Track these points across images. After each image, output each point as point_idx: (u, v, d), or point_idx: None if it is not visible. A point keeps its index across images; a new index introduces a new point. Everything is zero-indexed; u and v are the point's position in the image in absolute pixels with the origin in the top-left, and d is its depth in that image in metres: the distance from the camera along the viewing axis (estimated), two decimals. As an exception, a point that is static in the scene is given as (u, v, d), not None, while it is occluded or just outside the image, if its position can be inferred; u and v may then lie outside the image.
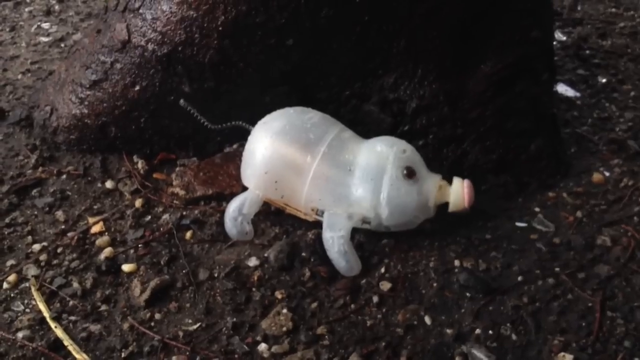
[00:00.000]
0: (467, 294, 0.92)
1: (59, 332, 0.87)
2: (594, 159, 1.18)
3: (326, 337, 0.86)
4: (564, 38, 1.64)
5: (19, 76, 1.48)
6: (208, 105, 1.12)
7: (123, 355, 0.84)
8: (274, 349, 0.85)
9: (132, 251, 1.00)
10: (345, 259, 0.94)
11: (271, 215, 1.06)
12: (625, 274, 0.95)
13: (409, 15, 1.05)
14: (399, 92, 1.10)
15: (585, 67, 1.50)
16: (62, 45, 1.65)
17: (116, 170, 1.17)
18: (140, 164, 1.17)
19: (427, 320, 0.89)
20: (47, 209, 1.09)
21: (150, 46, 1.11)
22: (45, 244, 1.02)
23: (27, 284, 0.95)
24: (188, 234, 1.03)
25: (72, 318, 0.90)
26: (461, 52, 1.09)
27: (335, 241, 0.94)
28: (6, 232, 1.04)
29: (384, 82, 1.10)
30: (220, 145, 1.19)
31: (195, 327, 0.88)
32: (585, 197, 1.09)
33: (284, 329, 0.87)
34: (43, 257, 0.99)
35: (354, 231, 0.98)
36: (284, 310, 0.90)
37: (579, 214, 1.06)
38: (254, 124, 1.03)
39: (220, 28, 1.07)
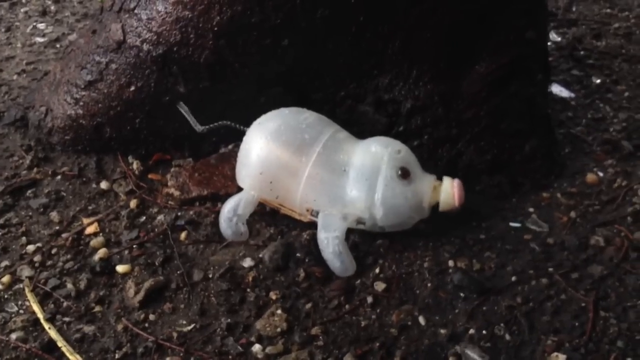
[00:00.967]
0: (461, 294, 0.92)
1: (53, 333, 0.87)
2: (588, 160, 1.19)
3: (320, 337, 0.87)
4: (559, 39, 1.64)
5: (14, 77, 1.48)
6: (203, 105, 1.12)
7: (117, 356, 0.84)
8: (268, 349, 0.85)
9: (126, 252, 1.00)
10: (340, 259, 0.94)
11: (266, 215, 1.06)
12: (619, 274, 0.95)
13: (404, 16, 1.06)
14: (394, 93, 1.10)
15: (579, 68, 1.50)
16: (58, 45, 1.65)
17: (111, 170, 1.17)
18: (135, 165, 1.17)
19: (421, 320, 0.89)
20: (42, 209, 1.09)
21: (145, 46, 1.11)
22: (39, 244, 1.02)
23: (21, 285, 0.95)
24: (183, 235, 1.03)
25: (66, 319, 0.90)
26: (456, 53, 1.09)
27: (330, 242, 0.94)
28: (0, 233, 1.04)
29: (379, 83, 1.11)
30: (216, 146, 1.19)
31: (189, 328, 0.88)
32: (579, 198, 1.10)
33: (279, 329, 0.88)
34: (37, 258, 0.99)
35: (349, 231, 0.98)
36: (279, 311, 0.90)
37: (572, 214, 1.06)
38: (249, 124, 1.03)
39: (215, 28, 1.07)
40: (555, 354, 0.83)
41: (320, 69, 1.11)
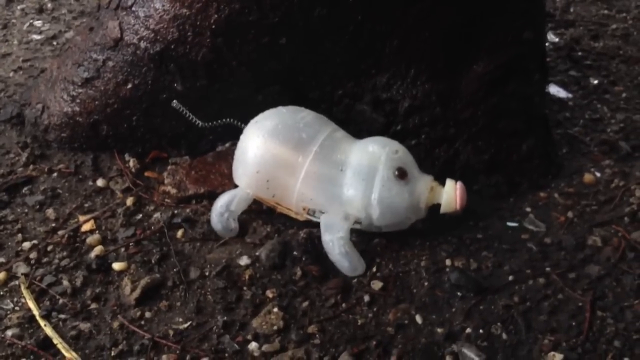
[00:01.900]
0: (458, 293, 0.92)
1: (49, 331, 0.87)
2: (585, 160, 1.19)
3: (317, 336, 0.86)
4: (557, 39, 1.64)
5: (11, 74, 1.48)
6: (200, 103, 1.12)
7: (113, 353, 0.84)
8: (265, 347, 0.85)
9: (122, 250, 1.00)
10: (348, 259, 0.94)
11: (263, 214, 1.05)
12: (616, 274, 0.95)
13: (402, 15, 1.05)
14: (391, 92, 1.10)
15: (577, 69, 1.51)
16: (55, 43, 1.64)
17: (107, 168, 1.16)
18: (131, 162, 1.16)
19: (418, 319, 0.89)
20: (38, 207, 1.09)
21: (142, 44, 1.11)
22: (35, 242, 1.02)
23: (16, 282, 0.95)
24: (179, 233, 1.03)
25: (62, 316, 0.89)
26: (454, 53, 1.09)
27: (335, 243, 0.94)
28: (-4, 230, 1.04)
29: (377, 82, 1.10)
30: (213, 144, 1.19)
31: (185, 325, 0.88)
32: (576, 198, 1.10)
33: (275, 327, 0.87)
34: (33, 255, 0.99)
35: (346, 230, 0.98)
36: (275, 309, 0.90)
37: (570, 214, 1.06)
38: (246, 122, 1.02)
39: (213, 26, 1.07)
40: (552, 353, 0.83)
41: (318, 67, 1.11)
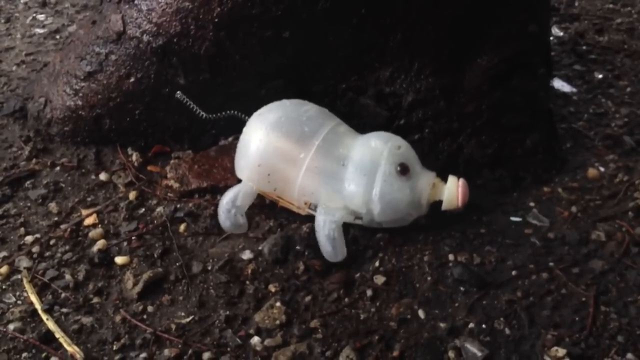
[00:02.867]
0: (461, 288, 0.92)
1: (51, 324, 0.87)
2: (590, 155, 1.18)
3: (319, 330, 0.86)
4: (561, 33, 1.64)
5: (14, 68, 1.48)
6: (203, 97, 1.12)
7: (115, 347, 0.84)
8: (267, 342, 0.85)
9: (125, 243, 1.00)
10: (332, 244, 0.94)
11: (265, 208, 1.05)
12: (620, 269, 0.95)
13: (406, 8, 1.05)
14: (395, 86, 1.10)
15: (581, 63, 1.50)
16: (57, 37, 1.64)
17: (110, 162, 1.16)
18: (134, 156, 1.16)
19: (421, 314, 0.88)
20: (40, 200, 1.09)
21: (145, 37, 1.10)
22: (38, 235, 1.02)
23: (19, 276, 0.95)
24: (182, 227, 1.03)
25: (64, 310, 0.89)
26: (457, 46, 1.08)
27: (326, 225, 0.94)
28: (-1, 224, 1.04)
29: (380, 76, 1.10)
30: (216, 138, 1.18)
31: (188, 320, 0.88)
32: (580, 193, 1.09)
33: (277, 322, 0.87)
34: (35, 249, 0.99)
35: (349, 225, 0.98)
36: (278, 304, 0.89)
37: (573, 209, 1.06)
38: (250, 116, 1.02)
39: (216, 19, 1.06)
40: (555, 348, 0.83)
41: (321, 61, 1.11)
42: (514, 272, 0.94)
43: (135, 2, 1.11)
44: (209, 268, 0.96)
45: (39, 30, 1.67)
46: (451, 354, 0.83)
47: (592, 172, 1.13)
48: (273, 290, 0.92)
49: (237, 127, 1.05)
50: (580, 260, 0.96)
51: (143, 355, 0.83)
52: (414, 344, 0.84)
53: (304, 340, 0.85)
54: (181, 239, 1.01)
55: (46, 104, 1.21)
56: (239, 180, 1.01)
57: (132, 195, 1.09)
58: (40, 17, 1.75)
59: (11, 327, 0.87)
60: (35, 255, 0.98)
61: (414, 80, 1.09)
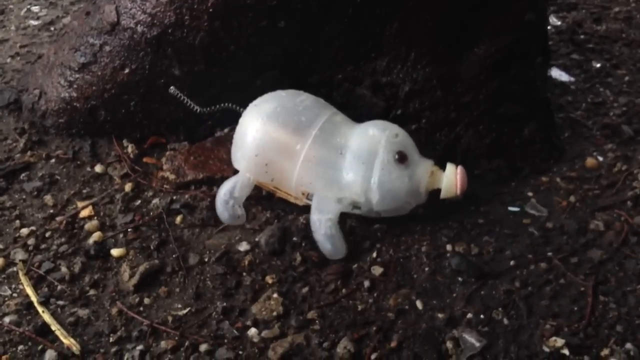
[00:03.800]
0: (459, 279, 0.92)
1: (47, 317, 0.86)
2: (588, 144, 1.18)
3: (317, 321, 0.86)
4: (559, 23, 1.63)
5: (8, 60, 1.46)
6: (199, 88, 1.11)
7: (111, 340, 0.84)
8: (264, 333, 0.84)
9: (121, 235, 0.99)
10: (331, 242, 0.93)
11: (262, 199, 1.05)
12: (618, 258, 0.94)
13: (402, -3, 1.04)
14: (391, 76, 1.09)
15: (579, 52, 1.49)
16: (52, 28, 1.63)
17: (106, 154, 1.16)
18: (130, 148, 1.15)
19: (419, 304, 0.88)
20: (36, 193, 1.08)
21: (139, 28, 1.09)
22: (33, 228, 1.01)
23: (14, 268, 0.94)
24: (178, 219, 1.02)
25: (60, 303, 0.89)
26: (454, 36, 1.07)
27: (322, 224, 0.93)
28: (-6, 217, 1.04)
29: (377, 66, 1.09)
30: (212, 130, 1.17)
31: (184, 311, 0.88)
32: (578, 182, 1.09)
33: (275, 313, 0.87)
34: (31, 241, 0.98)
35: (346, 216, 0.98)
36: (275, 295, 0.89)
37: (572, 198, 1.05)
38: (245, 107, 1.01)
39: (210, 10, 1.05)
40: (554, 338, 0.82)
41: (317, 51, 1.10)
42: (512, 262, 0.94)
43: (130, -8, 1.10)
44: (206, 260, 0.95)
45: (34, 22, 1.66)
46: (449, 344, 0.82)
47: (590, 161, 1.13)
48: (270, 281, 0.91)
49: (233, 119, 1.04)
50: (579, 250, 0.96)
51: (140, 347, 0.83)
52: (412, 334, 0.84)
53: (302, 331, 0.85)
54: (177, 231, 1.00)
55: (41, 96, 1.20)
56: (236, 172, 1.01)
57: (127, 187, 1.08)
58: (35, 8, 1.74)
59: (7, 319, 0.86)
60: (30, 248, 0.98)
61: (411, 70, 1.08)
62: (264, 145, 0.96)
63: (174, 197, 1.06)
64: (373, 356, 0.81)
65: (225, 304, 0.88)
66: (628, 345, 0.82)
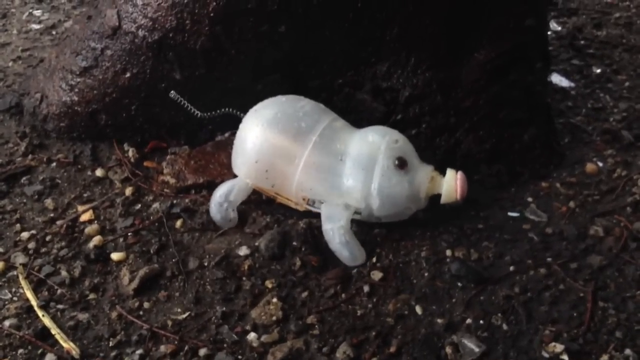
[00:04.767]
0: (459, 284, 0.92)
1: (47, 321, 0.86)
2: (588, 149, 1.18)
3: (316, 326, 0.86)
4: (559, 28, 1.63)
5: (10, 63, 1.47)
6: (199, 92, 1.11)
7: (111, 344, 0.84)
8: (264, 338, 0.84)
9: (121, 240, 1.00)
10: (348, 249, 0.93)
11: (262, 204, 1.05)
12: (618, 264, 0.94)
13: (402, 2, 1.04)
14: (391, 81, 1.09)
15: (580, 58, 1.49)
16: (54, 32, 1.63)
17: (106, 158, 1.16)
18: (130, 152, 1.16)
19: (418, 309, 0.88)
20: (37, 196, 1.08)
21: (141, 32, 1.10)
22: (34, 232, 1.01)
23: (15, 272, 0.94)
24: (178, 223, 1.02)
25: (60, 306, 0.89)
26: (455, 41, 1.08)
27: (335, 232, 0.93)
28: (-6, 220, 1.04)
29: (377, 71, 1.09)
30: (212, 134, 1.18)
31: (184, 316, 0.88)
32: (578, 188, 1.09)
33: (274, 318, 0.87)
34: (31, 245, 0.99)
35: (346, 220, 0.98)
36: (274, 300, 0.89)
37: (571, 204, 1.05)
38: (245, 112, 1.02)
39: (211, 14, 1.06)
40: (553, 344, 0.82)
41: (318, 56, 1.10)
42: (511, 268, 0.94)
43: (131, -4, 1.10)
44: (206, 264, 0.95)
45: (35, 26, 1.66)
46: (448, 349, 0.82)
47: (590, 167, 1.13)
48: (270, 286, 0.92)
49: (233, 123, 1.04)
50: (578, 256, 0.96)
51: (139, 351, 0.83)
52: (411, 339, 0.84)
53: (301, 336, 0.85)
54: (177, 235, 1.00)
55: (42, 100, 1.20)
56: (236, 177, 1.01)
57: (128, 191, 1.08)
58: (37, 12, 1.74)
59: (7, 323, 0.86)
60: (31, 252, 0.98)
61: (411, 75, 1.08)
62: (264, 151, 0.96)
63: (174, 201, 1.06)
64: (372, 361, 0.82)
65: (224, 308, 0.88)
66: (627, 351, 0.82)
